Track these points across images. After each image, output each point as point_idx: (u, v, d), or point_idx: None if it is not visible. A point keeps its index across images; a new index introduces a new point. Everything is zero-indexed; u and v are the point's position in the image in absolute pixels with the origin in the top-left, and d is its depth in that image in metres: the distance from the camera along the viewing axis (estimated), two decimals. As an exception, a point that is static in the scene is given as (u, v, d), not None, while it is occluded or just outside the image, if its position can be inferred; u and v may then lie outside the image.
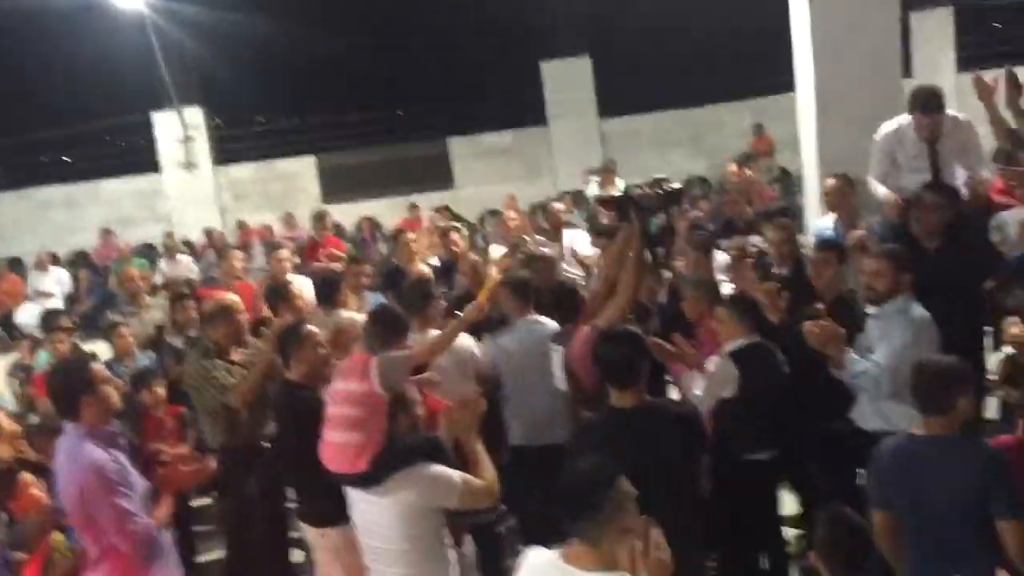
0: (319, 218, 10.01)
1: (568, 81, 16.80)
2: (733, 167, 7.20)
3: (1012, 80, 5.05)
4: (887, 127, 5.85)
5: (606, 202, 5.22)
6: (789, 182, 12.60)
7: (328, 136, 18.62)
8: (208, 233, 14.81)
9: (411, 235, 7.43)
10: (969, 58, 15.35)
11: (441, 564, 3.60)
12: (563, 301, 4.97)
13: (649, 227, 4.64)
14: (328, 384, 3.95)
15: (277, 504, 5.06)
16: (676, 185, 4.83)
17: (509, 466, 4.48)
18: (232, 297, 5.39)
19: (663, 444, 3.40)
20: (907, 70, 16.55)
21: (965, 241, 5.40)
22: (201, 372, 5.00)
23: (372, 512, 3.59)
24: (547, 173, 16.79)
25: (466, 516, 3.85)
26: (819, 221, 6.59)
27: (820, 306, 4.68)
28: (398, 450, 3.53)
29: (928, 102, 5.57)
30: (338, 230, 13.00)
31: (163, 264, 12.30)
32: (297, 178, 18.03)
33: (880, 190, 5.86)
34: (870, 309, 4.53)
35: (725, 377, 4.34)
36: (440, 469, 3.50)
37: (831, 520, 3.13)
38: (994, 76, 5.29)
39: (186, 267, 11.88)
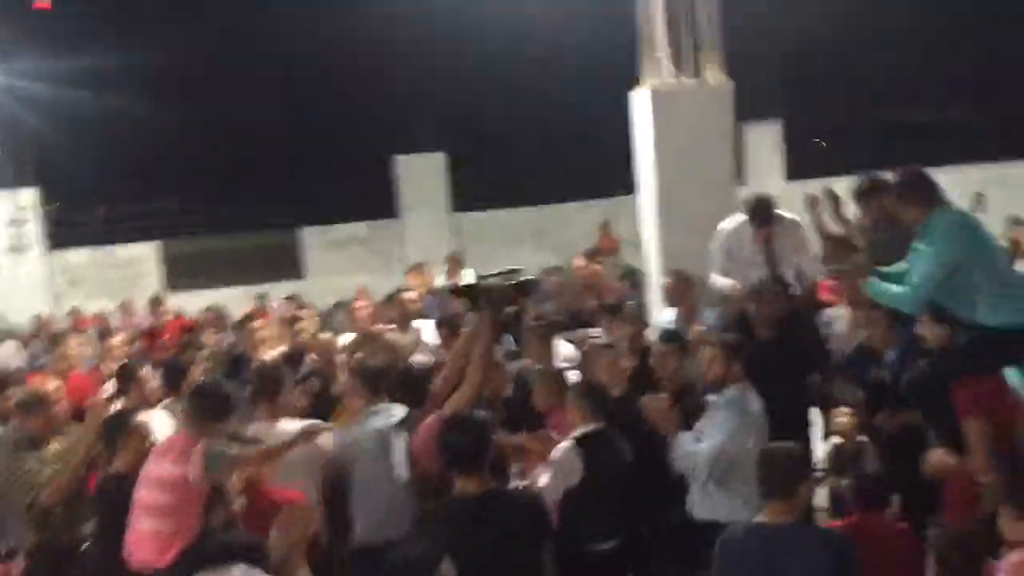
0: (155, 303, 9.57)
1: (422, 175, 17.01)
2: (580, 261, 7.43)
3: (831, 195, 5.61)
4: (726, 225, 6.22)
5: (456, 291, 5.19)
6: (635, 279, 13.04)
7: (173, 222, 18.03)
8: (38, 319, 13.90)
9: (258, 323, 7.20)
10: (796, 169, 16.52)
11: None
12: (411, 387, 4.86)
13: (500, 317, 4.65)
14: None
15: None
16: (529, 276, 4.87)
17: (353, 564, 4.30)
18: (51, 384, 5.04)
19: (508, 531, 3.34)
20: (741, 177, 17.79)
21: (797, 334, 5.70)
22: (10, 467, 4.61)
23: None
24: (399, 265, 16.76)
25: None
26: (662, 316, 6.82)
27: (663, 396, 4.79)
28: (211, 546, 3.30)
29: (762, 215, 6.10)
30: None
31: (-15, 352, 11.41)
32: (138, 264, 17.25)
33: (723, 282, 6.18)
34: (710, 398, 4.69)
35: (571, 464, 4.34)
36: (252, 572, 3.29)
37: None
38: (818, 192, 5.80)
39: (10, 354, 11.07)
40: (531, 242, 17.36)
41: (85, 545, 4.58)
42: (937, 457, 4.32)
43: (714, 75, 7.03)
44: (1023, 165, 16.00)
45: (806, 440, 5.74)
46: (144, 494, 3.46)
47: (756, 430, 4.39)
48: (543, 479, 4.41)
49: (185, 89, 17.33)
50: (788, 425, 4.64)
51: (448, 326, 6.19)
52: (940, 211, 4.37)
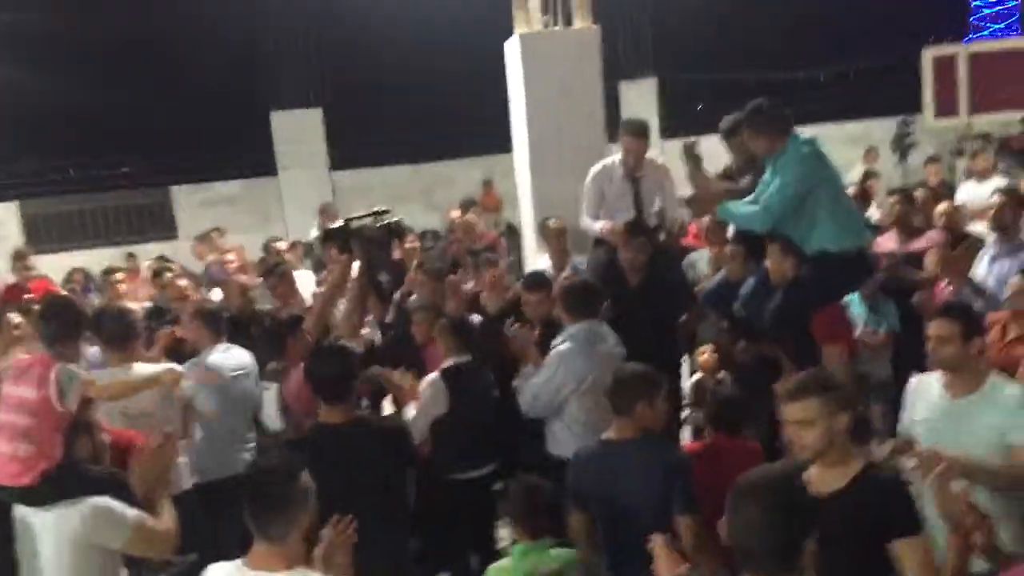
0: (18, 257, 9.16)
1: (299, 132, 16.68)
2: (456, 212, 7.50)
3: (691, 154, 5.33)
4: (596, 167, 6.37)
5: (328, 235, 5.17)
6: (516, 236, 13.20)
7: (36, 181, 17.13)
8: None
9: (119, 276, 6.99)
10: (671, 126, 16.92)
11: None
12: (274, 336, 4.87)
13: (373, 258, 4.66)
14: None
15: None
16: (396, 218, 4.91)
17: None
18: None
19: (373, 458, 3.41)
20: (613, 136, 18.07)
21: (663, 277, 5.91)
22: None
23: (34, 545, 3.31)
24: (277, 223, 16.46)
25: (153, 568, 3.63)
26: (538, 261, 6.95)
27: (527, 328, 4.91)
28: (74, 476, 3.27)
29: (638, 128, 6.39)
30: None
31: None
32: (-2, 225, 16.43)
33: (596, 225, 6.31)
34: None
35: (437, 395, 4.44)
36: (115, 505, 3.27)
37: (520, 487, 3.57)
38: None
39: None
40: (415, 201, 17.29)
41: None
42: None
43: (583, 22, 7.14)
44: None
45: (675, 380, 5.99)
46: (2, 418, 3.36)
47: (604, 362, 4.45)
48: (411, 410, 4.50)
49: (51, 43, 16.44)
50: (658, 369, 4.83)
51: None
52: (791, 140, 4.54)
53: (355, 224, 4.71)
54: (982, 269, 5.59)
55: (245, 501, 2.53)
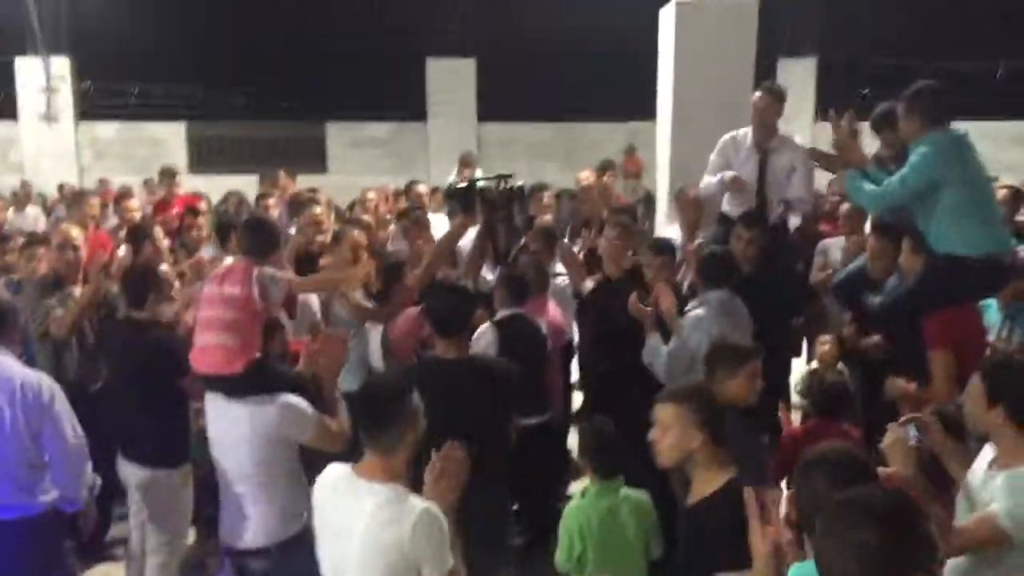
0: (165, 174, 9.73)
1: (451, 81, 17.01)
2: (586, 173, 7.60)
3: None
4: (725, 136, 6.15)
5: (452, 193, 5.29)
6: (652, 205, 13.11)
7: (202, 105, 18.13)
8: (60, 187, 14.20)
9: (271, 202, 7.38)
10: (829, 109, 16.33)
11: (290, 491, 3.59)
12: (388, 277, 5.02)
13: (493, 220, 4.77)
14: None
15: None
16: (520, 183, 5.00)
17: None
18: (74, 231, 5.30)
19: (478, 396, 3.57)
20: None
21: (775, 271, 5.52)
22: (35, 307, 4.93)
23: (228, 430, 3.60)
24: (421, 170, 16.89)
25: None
26: (668, 230, 6.94)
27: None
28: (271, 371, 3.56)
29: (772, 86, 5.97)
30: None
31: (10, 214, 11.72)
32: (164, 144, 17.51)
33: (713, 180, 6.06)
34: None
35: (485, 342, 4.58)
36: (302, 403, 3.54)
37: (591, 429, 3.71)
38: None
39: (32, 220, 11.38)
40: (556, 160, 17.42)
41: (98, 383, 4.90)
42: (897, 384, 4.46)
43: (742, -4, 7.02)
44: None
45: (783, 378, 5.73)
46: (208, 313, 3.63)
47: (737, 329, 4.47)
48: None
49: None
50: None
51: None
52: (938, 132, 4.33)
53: (479, 185, 4.83)
54: None
55: (358, 413, 2.72)
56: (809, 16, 17.09)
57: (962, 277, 4.39)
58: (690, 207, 6.44)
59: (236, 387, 3.53)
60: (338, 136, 17.70)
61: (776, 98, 5.86)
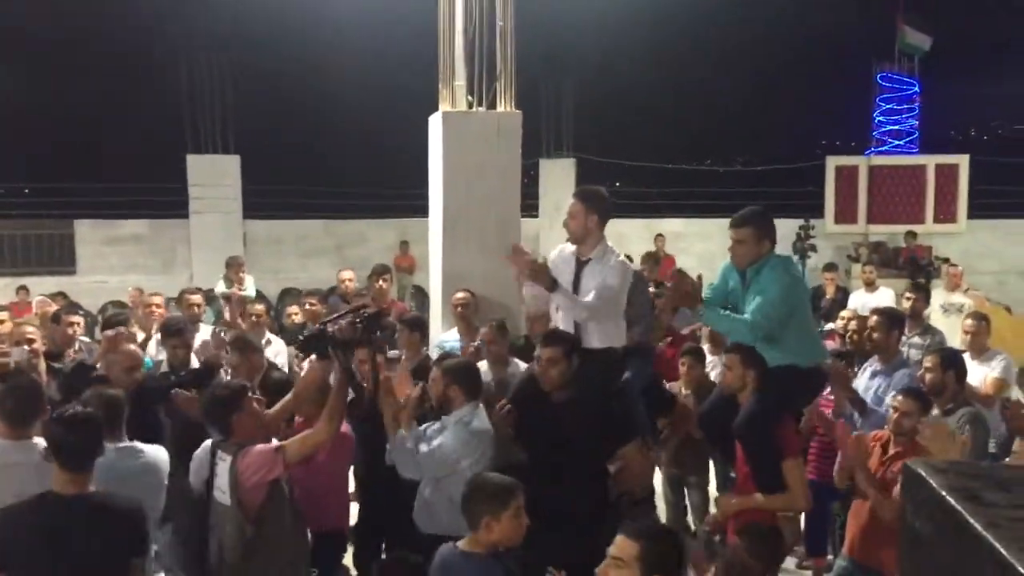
0: None
1: (214, 177, 16.48)
2: (349, 273, 7.59)
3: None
4: (559, 246, 5.52)
5: (305, 346, 4.62)
6: (423, 299, 13.22)
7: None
8: None
9: (1, 316, 6.73)
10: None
11: None
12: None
13: (348, 363, 4.38)
14: None
15: None
16: (371, 309, 4.74)
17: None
18: None
19: (99, 538, 3.34)
20: (537, 209, 18.63)
21: (587, 397, 4.85)
22: None
23: None
24: (183, 267, 16.14)
25: None
26: (444, 334, 6.97)
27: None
28: None
29: (578, 190, 5.58)
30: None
31: None
32: None
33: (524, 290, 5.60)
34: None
35: None
36: None
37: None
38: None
39: None
40: (326, 256, 17.20)
41: None
42: (728, 501, 4.70)
43: (506, 104, 7.33)
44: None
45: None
46: None
47: (483, 445, 4.47)
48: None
49: None
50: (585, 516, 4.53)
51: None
52: (774, 257, 4.64)
53: (331, 328, 4.36)
54: (862, 382, 5.78)
55: None
56: (564, 122, 18.48)
57: (804, 385, 4.70)
58: (461, 311, 6.56)
59: None
60: (89, 234, 16.56)
61: (579, 200, 5.09)
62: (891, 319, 5.94)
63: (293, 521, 4.15)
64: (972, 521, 0.89)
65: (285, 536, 4.07)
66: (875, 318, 5.96)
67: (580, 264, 5.12)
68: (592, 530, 4.36)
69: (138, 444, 4.35)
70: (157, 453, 4.42)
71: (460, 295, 6.66)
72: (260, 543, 3.93)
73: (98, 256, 16.34)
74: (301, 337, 4.76)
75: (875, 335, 5.85)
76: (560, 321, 5.17)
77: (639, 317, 5.49)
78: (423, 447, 4.42)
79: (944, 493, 0.94)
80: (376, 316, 4.66)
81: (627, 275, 5.15)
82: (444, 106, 7.29)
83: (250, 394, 4.28)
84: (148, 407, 5.11)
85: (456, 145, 7.15)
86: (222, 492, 3.99)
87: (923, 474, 1.01)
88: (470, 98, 7.26)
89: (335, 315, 4.62)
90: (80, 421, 3.48)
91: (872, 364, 5.91)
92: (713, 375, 6.37)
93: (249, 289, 10.21)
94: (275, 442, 4.15)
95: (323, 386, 4.49)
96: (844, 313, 7.10)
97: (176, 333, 6.10)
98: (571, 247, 5.23)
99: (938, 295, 9.65)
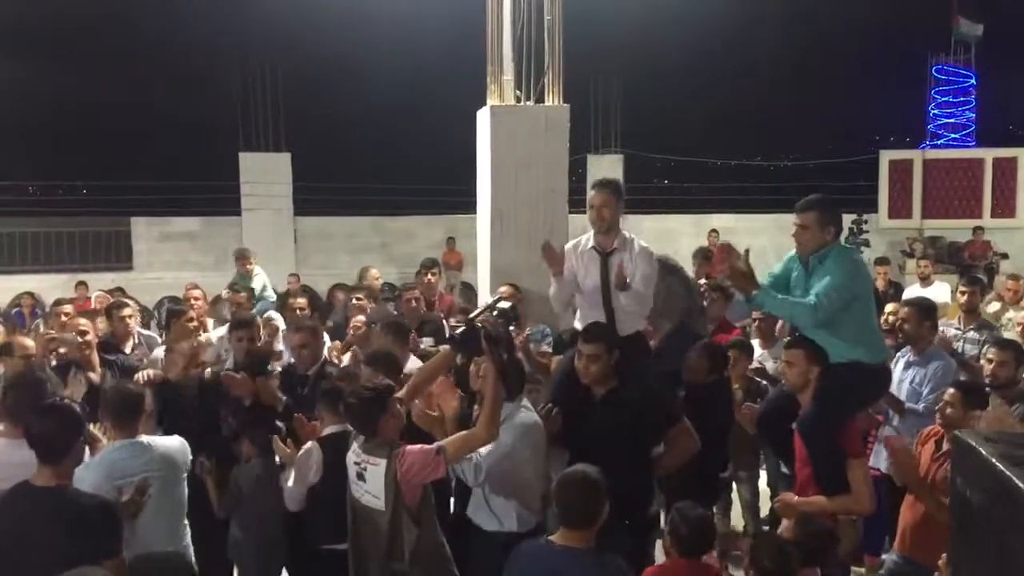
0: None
1: (266, 174, 16.73)
2: (375, 271, 7.65)
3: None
4: (568, 244, 5.48)
5: (454, 341, 4.35)
6: (471, 295, 13.29)
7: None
8: None
9: (66, 308, 6.88)
10: (633, 200, 17.34)
11: None
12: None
13: (501, 359, 4.23)
14: None
15: None
16: (505, 304, 4.60)
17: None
18: None
19: (64, 532, 3.31)
20: (575, 207, 18.49)
21: (630, 393, 4.63)
22: None
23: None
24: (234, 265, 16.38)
25: None
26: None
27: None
28: None
29: (602, 181, 5.33)
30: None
31: None
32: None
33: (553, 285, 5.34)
34: None
35: (309, 463, 4.33)
36: None
37: None
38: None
39: None
40: (374, 252, 17.37)
41: None
42: (789, 501, 4.51)
43: (554, 99, 7.34)
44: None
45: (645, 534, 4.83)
46: None
47: (532, 443, 4.29)
48: (291, 477, 4.40)
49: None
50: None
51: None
52: (839, 244, 4.58)
53: (484, 326, 4.17)
54: (896, 374, 5.59)
55: None
56: (611, 118, 18.41)
57: (870, 384, 4.60)
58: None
59: None
60: (145, 231, 16.92)
61: (610, 192, 5.15)
62: (922, 310, 5.84)
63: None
64: (1022, 485, 0.89)
65: (439, 536, 3.97)
66: (906, 309, 5.90)
67: (605, 256, 5.12)
68: (639, 519, 4.34)
69: (147, 439, 4.23)
70: (169, 448, 4.28)
71: (504, 289, 6.69)
72: (420, 546, 3.81)
73: (153, 252, 16.69)
74: (454, 336, 4.49)
75: (906, 326, 5.77)
76: (583, 317, 5.17)
77: (668, 311, 5.60)
78: (481, 450, 4.18)
79: (994, 460, 0.94)
80: (511, 308, 4.57)
81: (654, 259, 5.22)
82: (492, 100, 7.33)
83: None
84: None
85: (504, 139, 7.18)
86: (374, 497, 3.85)
87: (973, 443, 1.01)
88: (518, 92, 7.29)
89: (479, 311, 4.53)
90: (54, 412, 3.48)
91: (905, 355, 5.81)
92: (769, 367, 6.33)
93: (256, 282, 10.00)
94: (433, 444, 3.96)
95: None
96: (889, 307, 6.96)
97: (244, 325, 6.13)
98: (587, 241, 5.24)
99: (994, 307, 8.90)
